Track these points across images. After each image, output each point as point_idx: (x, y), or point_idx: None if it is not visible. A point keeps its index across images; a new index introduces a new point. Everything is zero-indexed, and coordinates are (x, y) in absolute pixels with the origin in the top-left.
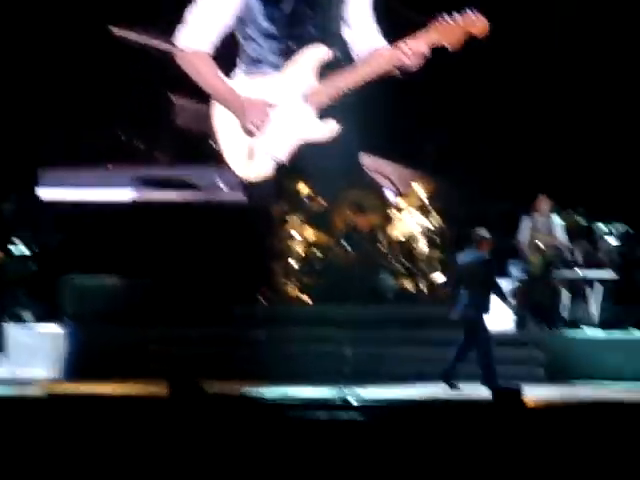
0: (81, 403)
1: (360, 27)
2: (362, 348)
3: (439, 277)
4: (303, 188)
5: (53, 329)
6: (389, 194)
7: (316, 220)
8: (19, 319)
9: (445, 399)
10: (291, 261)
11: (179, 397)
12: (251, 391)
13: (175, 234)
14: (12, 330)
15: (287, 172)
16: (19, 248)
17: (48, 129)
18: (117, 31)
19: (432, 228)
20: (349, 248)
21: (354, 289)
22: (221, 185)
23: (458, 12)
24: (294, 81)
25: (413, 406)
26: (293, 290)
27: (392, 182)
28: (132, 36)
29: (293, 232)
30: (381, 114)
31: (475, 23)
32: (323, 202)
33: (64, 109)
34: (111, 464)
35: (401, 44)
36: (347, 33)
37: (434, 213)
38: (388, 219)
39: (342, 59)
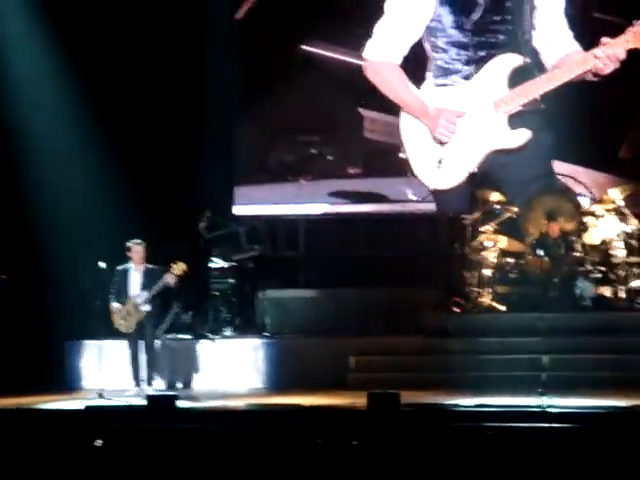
0: (280, 415)
1: (552, 33)
2: (559, 356)
3: (638, 283)
4: (495, 196)
5: (252, 342)
6: (584, 200)
7: (508, 228)
8: (220, 333)
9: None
10: (484, 270)
11: (378, 409)
12: (447, 401)
13: (368, 245)
14: (211, 344)
15: (478, 181)
16: (218, 264)
17: (240, 146)
18: (305, 47)
19: (630, 233)
20: (544, 255)
21: (550, 297)
22: (411, 196)
23: None
24: (485, 89)
25: (615, 414)
26: (487, 299)
27: (587, 188)
28: (320, 51)
29: (486, 241)
30: (574, 119)
31: None
32: (515, 210)
33: (256, 124)
34: (309, 473)
35: (596, 49)
36: (538, 40)
37: (632, 218)
38: (583, 225)
39: (533, 66)
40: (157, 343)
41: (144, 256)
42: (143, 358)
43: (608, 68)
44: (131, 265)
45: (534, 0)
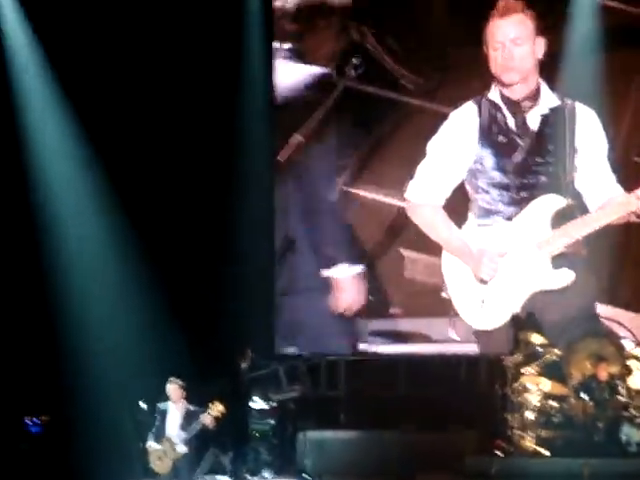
0: None
1: (594, 176)
2: None
3: None
4: (537, 338)
5: None
6: (627, 343)
7: (551, 371)
8: (259, 475)
9: None
10: (527, 412)
11: None
12: None
13: (408, 386)
14: None
15: (520, 322)
16: (259, 405)
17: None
18: (348, 189)
19: None
20: (588, 399)
21: (595, 442)
22: (453, 336)
23: None
24: (527, 230)
25: None
26: (531, 443)
27: (629, 331)
28: (363, 193)
29: (528, 383)
30: (617, 262)
31: None
32: (558, 352)
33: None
34: None
35: (639, 190)
36: (580, 182)
37: None
38: (627, 369)
39: (576, 208)
40: None
41: (181, 395)
42: None
43: None
44: (168, 404)
45: (575, 143)
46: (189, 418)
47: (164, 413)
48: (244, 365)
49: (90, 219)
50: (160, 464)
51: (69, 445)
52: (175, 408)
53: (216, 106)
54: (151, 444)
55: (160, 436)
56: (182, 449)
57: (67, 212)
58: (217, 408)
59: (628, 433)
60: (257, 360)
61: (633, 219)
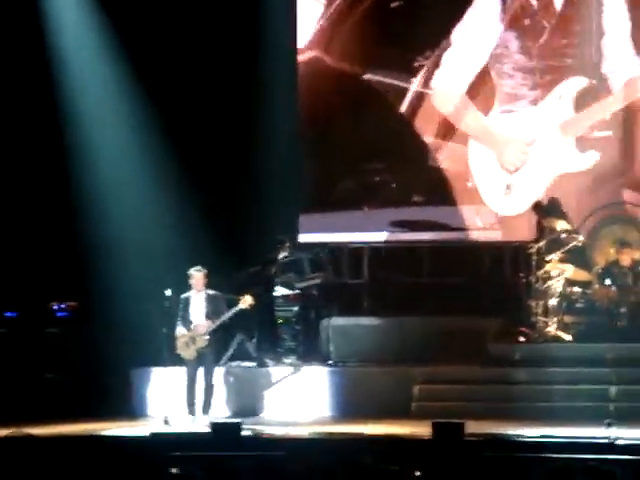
0: (343, 443)
1: (617, 57)
2: (627, 387)
3: None
4: (561, 225)
5: (317, 370)
6: None
7: (575, 257)
8: (284, 361)
9: None
10: (550, 299)
11: (442, 439)
12: (511, 431)
13: (432, 273)
14: (276, 371)
15: (544, 208)
16: (282, 292)
17: (305, 175)
18: (369, 76)
19: None
20: (611, 285)
21: (617, 327)
22: (478, 223)
23: None
24: (552, 114)
25: None
26: (553, 329)
27: None
28: (384, 79)
29: (552, 270)
30: None
31: None
32: (581, 238)
33: (320, 155)
34: None
35: None
36: (606, 63)
37: None
38: None
39: (599, 89)
40: (216, 372)
41: (204, 283)
42: (201, 386)
43: None
44: (192, 292)
45: (603, 24)
46: (212, 304)
47: (187, 301)
48: (281, 255)
49: (120, 110)
50: (187, 350)
51: (97, 331)
52: (198, 297)
53: None
54: (179, 330)
55: (186, 324)
56: (207, 337)
57: (94, 102)
58: (247, 301)
59: None
60: (287, 249)
61: None
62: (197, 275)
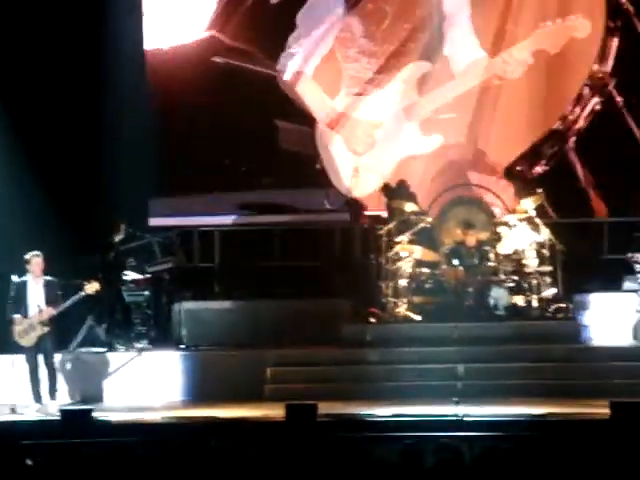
0: (197, 427)
1: (460, 41)
2: (474, 365)
3: (550, 292)
4: (409, 207)
5: (169, 355)
6: (497, 210)
7: (423, 238)
8: (135, 346)
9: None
10: (400, 280)
11: (295, 420)
12: (364, 411)
13: (282, 256)
14: (126, 356)
15: (392, 190)
16: (132, 276)
17: (155, 158)
18: (220, 59)
19: (541, 242)
20: (458, 265)
21: (465, 306)
22: (327, 206)
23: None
24: (396, 97)
25: (529, 422)
26: (403, 309)
27: (499, 198)
28: (233, 61)
29: (401, 251)
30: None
31: (577, 26)
32: (429, 220)
33: (169, 137)
34: None
35: (503, 54)
36: (446, 47)
37: (543, 228)
38: (497, 235)
39: (442, 73)
40: (63, 358)
41: (43, 268)
42: (43, 372)
43: (515, 72)
44: (29, 277)
45: (443, 8)
46: (52, 290)
47: (23, 286)
48: (117, 238)
49: None
50: (26, 337)
51: None
52: (34, 281)
53: None
54: (16, 317)
55: (22, 309)
56: (47, 323)
57: None
58: (92, 286)
59: (496, 296)
60: (131, 232)
61: (496, 81)
62: (35, 260)
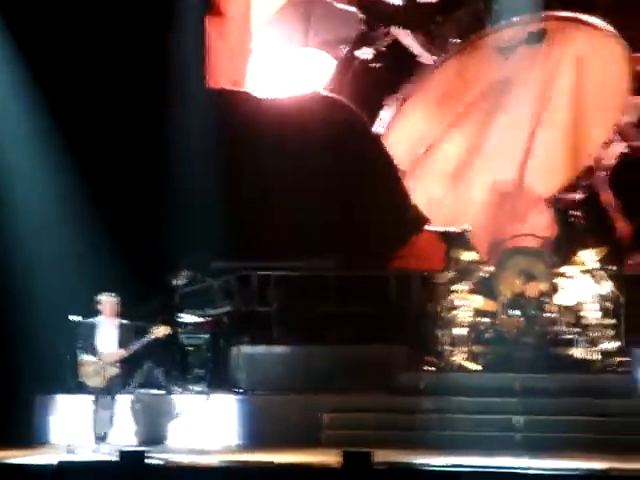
0: (253, 472)
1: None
2: (534, 417)
3: (611, 344)
4: (468, 255)
5: (226, 399)
6: (555, 260)
7: (482, 287)
8: (193, 389)
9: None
10: (457, 329)
11: (351, 467)
12: (419, 460)
13: (339, 302)
14: (187, 398)
15: (452, 239)
16: (192, 318)
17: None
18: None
19: (604, 295)
20: (517, 315)
21: (523, 357)
22: None
23: None
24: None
25: (590, 476)
26: (459, 358)
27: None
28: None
29: (459, 300)
30: None
31: None
32: (488, 269)
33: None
34: None
35: None
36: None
37: (605, 280)
38: (556, 286)
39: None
40: (124, 399)
41: (116, 310)
42: (105, 415)
43: None
44: (100, 319)
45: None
46: (125, 334)
47: (93, 328)
48: (179, 282)
49: (27, 136)
50: (95, 378)
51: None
52: (106, 323)
53: None
54: (86, 358)
55: (92, 351)
56: (116, 366)
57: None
58: (161, 330)
59: (556, 349)
60: (193, 276)
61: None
62: (109, 301)
